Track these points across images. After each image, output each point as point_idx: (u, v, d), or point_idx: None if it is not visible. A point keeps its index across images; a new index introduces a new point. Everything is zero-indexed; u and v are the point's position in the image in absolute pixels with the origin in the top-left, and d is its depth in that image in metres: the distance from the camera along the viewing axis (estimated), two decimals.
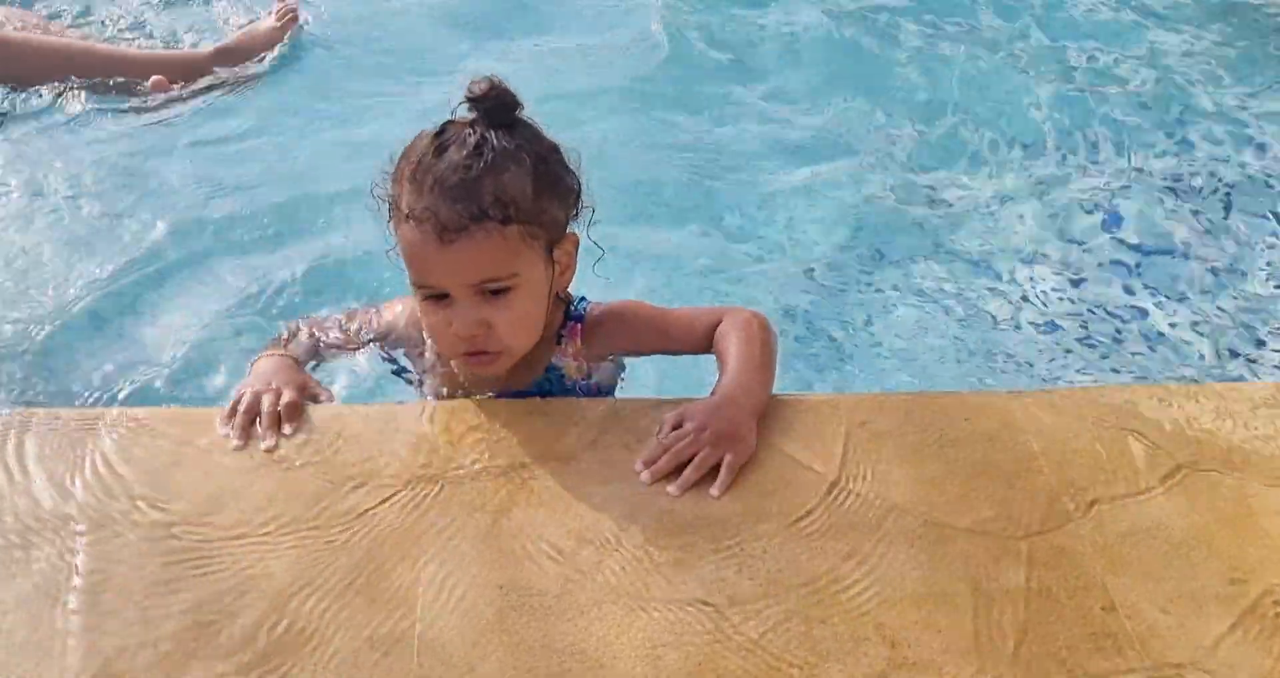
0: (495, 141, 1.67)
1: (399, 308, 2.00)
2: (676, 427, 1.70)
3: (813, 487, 1.66)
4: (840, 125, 3.58)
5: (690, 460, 1.65)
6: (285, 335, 1.97)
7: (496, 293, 1.70)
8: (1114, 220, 3.14)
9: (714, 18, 4.13)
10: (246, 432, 1.69)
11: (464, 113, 1.71)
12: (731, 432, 1.68)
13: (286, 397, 1.73)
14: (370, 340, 1.99)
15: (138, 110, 3.60)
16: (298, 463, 1.67)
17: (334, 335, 1.98)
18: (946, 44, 4.00)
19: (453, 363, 1.85)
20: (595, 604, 1.48)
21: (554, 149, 1.75)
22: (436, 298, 1.72)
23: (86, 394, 2.50)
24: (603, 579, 1.51)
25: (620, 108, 3.60)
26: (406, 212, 1.66)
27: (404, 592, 1.49)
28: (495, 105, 1.69)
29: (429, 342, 1.89)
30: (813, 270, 2.94)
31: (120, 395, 2.45)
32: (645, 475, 1.65)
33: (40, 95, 3.58)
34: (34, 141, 3.41)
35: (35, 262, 2.91)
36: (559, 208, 1.76)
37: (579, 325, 1.90)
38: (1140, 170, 3.39)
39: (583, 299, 1.94)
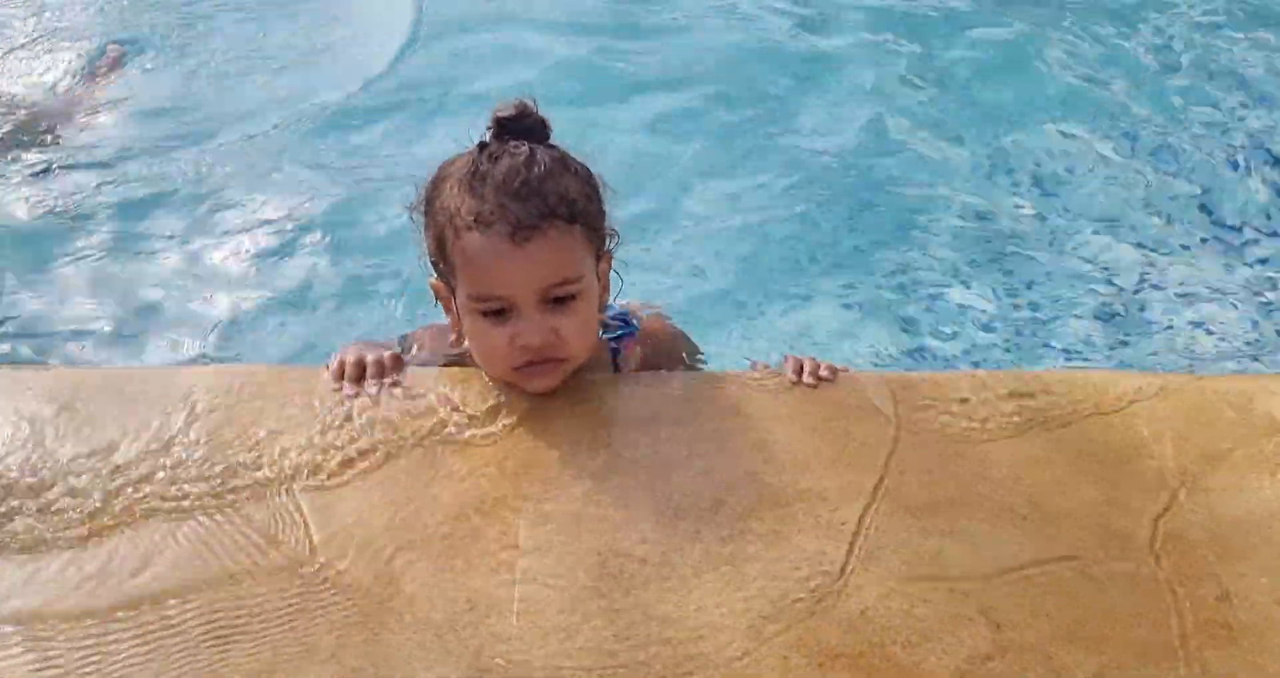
0: (542, 152, 1.67)
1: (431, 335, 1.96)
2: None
3: (913, 462, 1.63)
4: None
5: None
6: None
7: (560, 301, 1.67)
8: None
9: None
10: (357, 382, 1.71)
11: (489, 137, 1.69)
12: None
13: (386, 354, 1.75)
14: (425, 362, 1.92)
15: None
16: (396, 421, 1.67)
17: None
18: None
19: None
20: (694, 574, 1.47)
21: (588, 169, 1.75)
22: (496, 314, 1.67)
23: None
24: (702, 549, 1.50)
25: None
26: (471, 219, 1.62)
27: (502, 554, 1.49)
28: (529, 126, 1.69)
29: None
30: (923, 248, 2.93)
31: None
32: (792, 375, 1.77)
33: None
34: None
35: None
36: (602, 220, 1.75)
37: (633, 339, 1.91)
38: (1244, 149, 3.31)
39: (608, 306, 1.92)
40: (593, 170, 1.75)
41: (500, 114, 1.68)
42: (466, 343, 1.76)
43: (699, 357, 2.09)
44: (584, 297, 1.69)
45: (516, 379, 1.72)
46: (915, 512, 1.56)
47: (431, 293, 1.83)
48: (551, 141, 1.72)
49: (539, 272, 1.64)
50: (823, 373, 1.76)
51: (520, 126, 1.68)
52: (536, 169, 1.63)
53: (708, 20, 4.16)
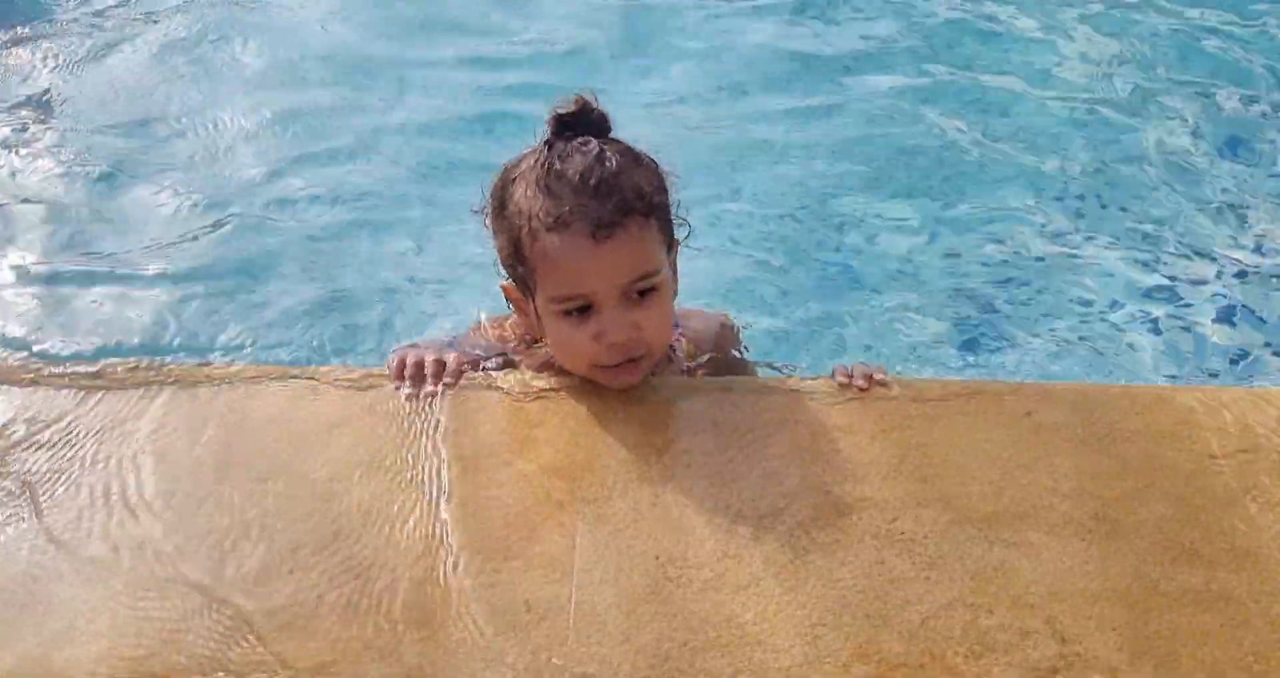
0: (611, 147, 1.66)
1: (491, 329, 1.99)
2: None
3: (976, 472, 1.61)
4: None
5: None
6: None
7: (642, 294, 1.67)
8: None
9: None
10: (417, 382, 1.72)
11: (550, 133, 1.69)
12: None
13: (447, 355, 1.76)
14: (490, 357, 1.95)
15: None
16: (454, 426, 1.68)
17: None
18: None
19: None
20: (753, 580, 1.45)
21: (654, 159, 1.74)
22: (579, 312, 1.67)
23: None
24: (761, 556, 1.48)
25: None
26: (551, 220, 1.62)
27: (560, 557, 1.48)
28: (590, 121, 1.68)
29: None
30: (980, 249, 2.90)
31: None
32: (841, 377, 1.76)
33: None
34: None
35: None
36: (671, 210, 1.74)
37: (678, 329, 1.91)
38: None
39: None
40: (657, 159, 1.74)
41: (560, 111, 1.68)
42: (547, 345, 1.77)
43: (744, 345, 2.08)
44: (662, 289, 1.70)
45: (600, 376, 1.72)
46: (979, 523, 1.53)
47: (504, 296, 1.85)
48: (614, 135, 1.71)
49: (621, 268, 1.64)
50: (875, 376, 1.75)
51: (581, 122, 1.68)
52: (609, 165, 1.63)
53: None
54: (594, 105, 1.69)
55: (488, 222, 1.76)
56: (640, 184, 1.66)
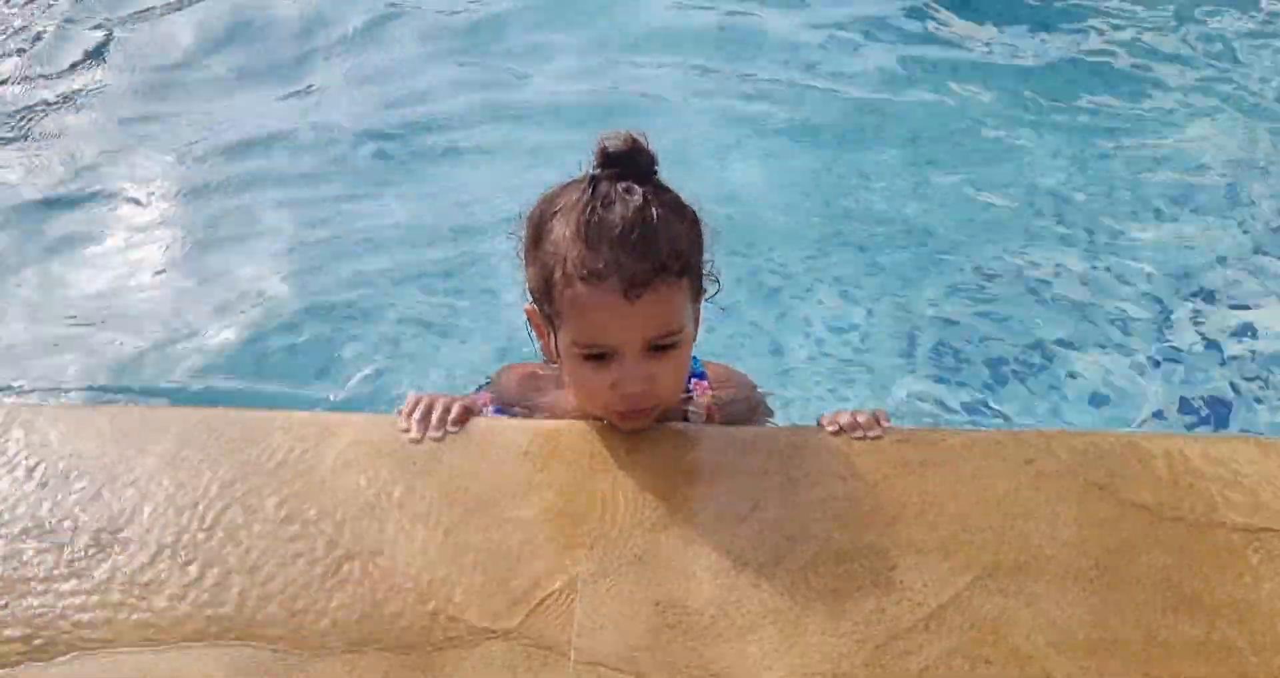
0: (655, 198, 1.65)
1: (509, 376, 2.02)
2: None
3: (977, 521, 1.61)
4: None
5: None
6: None
7: (662, 349, 1.68)
8: None
9: None
10: (424, 426, 1.74)
11: (593, 169, 1.67)
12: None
13: (456, 402, 1.79)
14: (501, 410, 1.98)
15: None
16: (457, 470, 1.70)
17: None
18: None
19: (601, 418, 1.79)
20: (753, 627, 1.46)
21: (695, 213, 1.73)
22: (598, 358, 1.68)
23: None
24: (759, 603, 1.49)
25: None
26: (585, 272, 1.62)
27: (560, 602, 1.50)
28: (638, 160, 1.66)
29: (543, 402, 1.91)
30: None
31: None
32: (830, 426, 1.76)
33: None
34: None
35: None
36: (703, 264, 1.75)
37: (704, 382, 1.93)
38: None
39: None
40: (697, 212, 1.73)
41: (609, 147, 1.66)
42: (563, 376, 1.80)
43: (768, 408, 2.09)
44: (682, 346, 1.71)
45: (612, 418, 1.74)
46: (978, 572, 1.54)
47: (527, 318, 1.86)
48: (658, 179, 1.69)
49: (647, 325, 1.65)
50: (872, 433, 1.75)
51: (628, 161, 1.66)
52: (651, 220, 1.61)
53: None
54: (644, 145, 1.67)
55: (520, 250, 1.76)
56: (678, 242, 1.65)
